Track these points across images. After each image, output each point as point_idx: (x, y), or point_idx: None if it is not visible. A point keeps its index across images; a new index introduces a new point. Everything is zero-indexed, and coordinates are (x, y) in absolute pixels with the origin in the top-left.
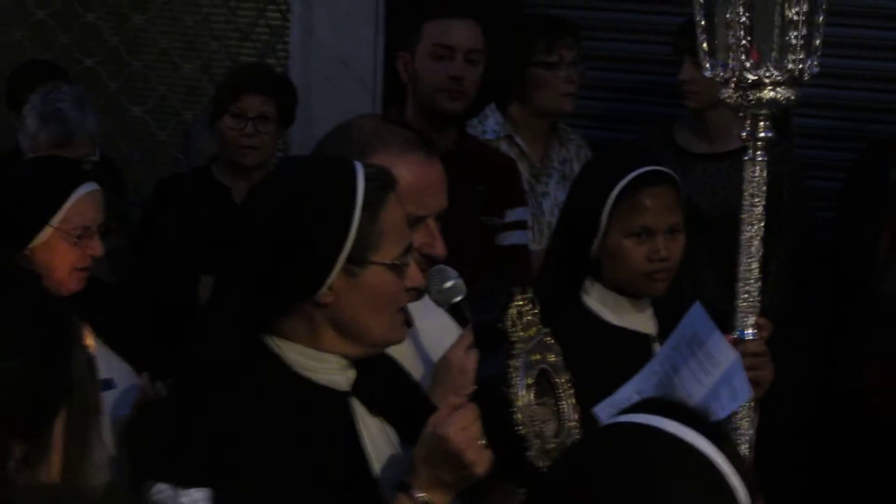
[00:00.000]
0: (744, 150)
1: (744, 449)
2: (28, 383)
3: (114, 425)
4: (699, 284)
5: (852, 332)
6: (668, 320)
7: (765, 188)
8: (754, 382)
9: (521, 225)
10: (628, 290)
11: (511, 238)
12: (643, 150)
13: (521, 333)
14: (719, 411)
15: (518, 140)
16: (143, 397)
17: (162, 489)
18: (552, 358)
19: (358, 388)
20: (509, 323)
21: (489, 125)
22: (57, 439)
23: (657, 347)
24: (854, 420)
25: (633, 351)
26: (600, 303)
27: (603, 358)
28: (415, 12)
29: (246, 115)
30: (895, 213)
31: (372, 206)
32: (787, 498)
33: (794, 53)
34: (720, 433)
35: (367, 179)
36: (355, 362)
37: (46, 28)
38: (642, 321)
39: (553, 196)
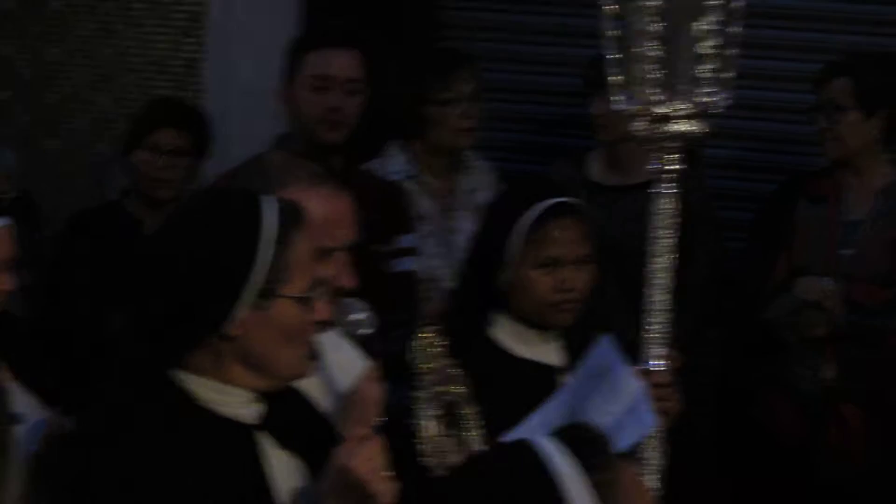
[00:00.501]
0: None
1: (653, 480)
2: None
3: (24, 460)
4: (608, 315)
5: (745, 356)
6: (575, 351)
7: (673, 220)
8: (662, 413)
9: (410, 251)
10: (535, 322)
11: (402, 265)
12: (552, 182)
13: (428, 365)
14: (625, 441)
15: (424, 177)
16: (52, 432)
17: None
18: (459, 390)
19: (267, 422)
20: (416, 355)
21: (393, 166)
22: None
23: (563, 379)
24: (756, 447)
25: (540, 382)
26: (507, 335)
27: (509, 390)
28: (295, 48)
29: (160, 149)
30: (794, 243)
31: (281, 240)
32: None
33: (704, 87)
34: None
35: (276, 213)
36: (265, 395)
37: None
38: (549, 353)
39: (465, 231)
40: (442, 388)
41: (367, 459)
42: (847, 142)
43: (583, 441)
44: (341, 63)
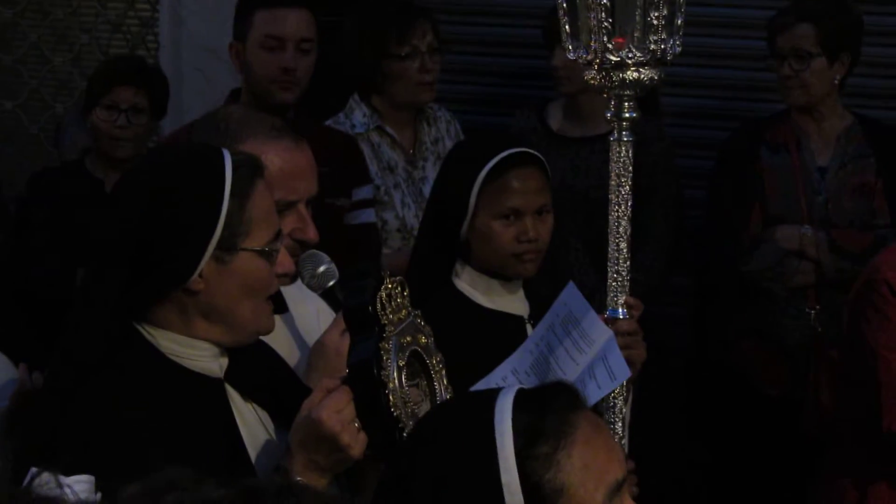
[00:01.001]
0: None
1: (618, 428)
2: None
3: None
4: (573, 265)
5: (721, 307)
6: (540, 301)
7: (631, 168)
8: (627, 361)
9: (368, 203)
10: (498, 272)
11: (360, 217)
12: (510, 134)
13: (392, 316)
14: (596, 391)
15: (388, 129)
16: (22, 388)
17: (45, 479)
18: (423, 340)
19: (231, 375)
20: (379, 306)
21: (356, 118)
22: None
23: (530, 328)
24: (727, 392)
25: (506, 332)
26: (471, 285)
27: (475, 339)
28: (244, 5)
29: (118, 107)
30: (765, 193)
31: (240, 194)
32: (666, 474)
33: (655, 34)
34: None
35: (235, 167)
36: (230, 349)
37: None
38: (513, 303)
39: (430, 180)
40: (407, 339)
41: (335, 411)
42: (813, 88)
43: (545, 400)
44: (293, 22)
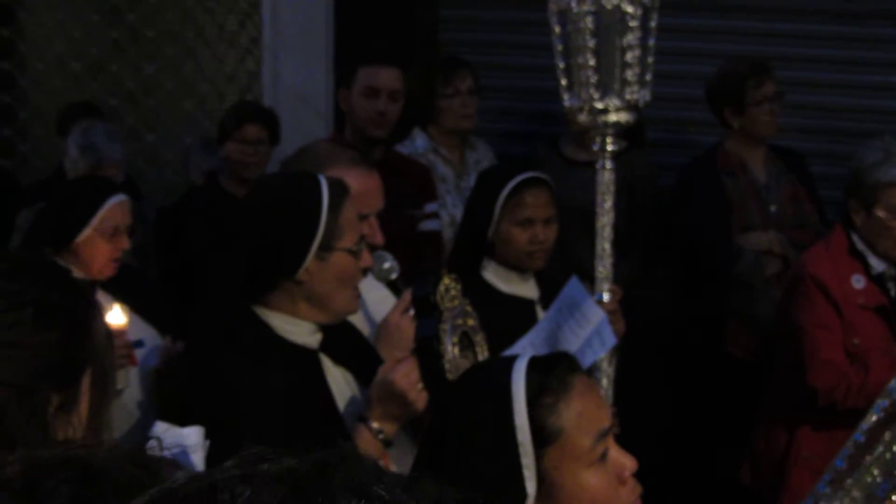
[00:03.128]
0: (613, 157)
1: (604, 383)
2: (63, 348)
3: (145, 375)
4: (580, 261)
5: (706, 295)
6: (548, 287)
7: (613, 188)
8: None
9: (434, 215)
10: (515, 266)
11: (428, 225)
12: (525, 161)
13: (448, 304)
14: (591, 356)
15: (442, 151)
16: (168, 353)
17: (161, 427)
18: (471, 322)
19: (325, 346)
20: (439, 296)
21: (418, 143)
22: (84, 391)
23: (539, 309)
24: (708, 360)
25: (520, 311)
26: (494, 275)
27: (499, 318)
28: (351, 61)
29: (247, 140)
30: (732, 208)
31: (334, 207)
32: (649, 429)
33: (630, 87)
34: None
35: (329, 187)
36: (324, 327)
37: (82, 76)
38: (527, 289)
39: None
40: (459, 321)
41: (405, 375)
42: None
43: (551, 365)
44: (387, 77)
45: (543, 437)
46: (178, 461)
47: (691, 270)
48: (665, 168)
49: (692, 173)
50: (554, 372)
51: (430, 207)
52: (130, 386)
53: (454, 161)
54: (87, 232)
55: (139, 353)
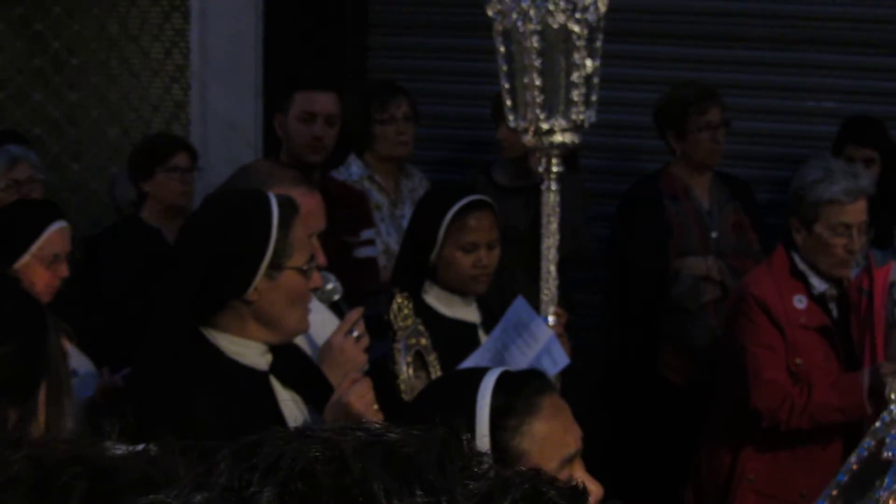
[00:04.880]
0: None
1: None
2: (19, 361)
3: (77, 406)
4: (516, 284)
5: (644, 321)
6: (487, 311)
7: (558, 209)
8: None
9: (370, 242)
10: (458, 290)
11: (364, 252)
12: (467, 184)
13: (401, 323)
14: None
15: (377, 178)
16: (105, 384)
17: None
18: (424, 341)
19: (274, 368)
20: (392, 315)
21: (353, 170)
22: (41, 405)
23: (481, 333)
24: (642, 384)
25: (463, 335)
26: (436, 299)
27: (439, 340)
28: (286, 86)
29: (179, 168)
30: (672, 232)
31: (284, 225)
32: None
33: (576, 107)
34: (511, 394)
35: (279, 205)
36: (272, 348)
37: (6, 104)
38: (469, 313)
39: (408, 217)
40: (413, 340)
41: (360, 396)
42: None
43: (520, 384)
44: (322, 101)
45: (505, 459)
46: None
47: (628, 294)
48: (610, 196)
49: (634, 195)
50: (522, 393)
51: (366, 234)
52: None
53: (389, 189)
54: (25, 258)
55: (73, 383)
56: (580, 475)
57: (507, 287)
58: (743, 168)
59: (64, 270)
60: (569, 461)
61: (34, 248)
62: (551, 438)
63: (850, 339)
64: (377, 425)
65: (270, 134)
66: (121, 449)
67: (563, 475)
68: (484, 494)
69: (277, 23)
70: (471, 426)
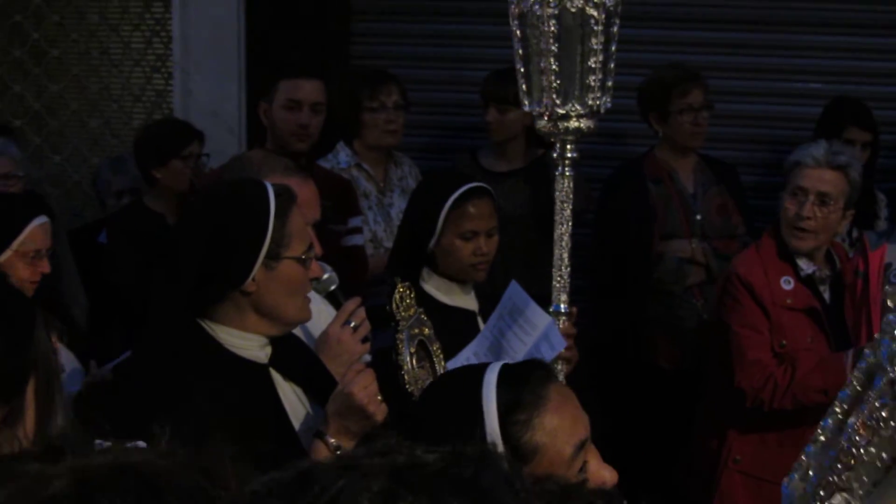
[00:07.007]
0: (531, 165)
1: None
2: (5, 358)
3: (67, 400)
4: (503, 267)
5: (632, 304)
6: (485, 299)
7: (572, 195)
8: (565, 360)
9: (358, 230)
10: (457, 278)
11: (352, 240)
12: (465, 173)
13: (404, 313)
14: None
15: (365, 166)
16: (92, 379)
17: (100, 444)
18: (427, 331)
19: (274, 361)
20: (395, 304)
21: (342, 158)
22: (29, 402)
23: (480, 320)
24: (631, 369)
25: (462, 323)
26: (435, 287)
27: (440, 328)
28: (270, 74)
29: (192, 156)
30: (656, 215)
31: (282, 214)
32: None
33: (592, 93)
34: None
35: (276, 194)
36: (272, 340)
37: None
38: (468, 301)
39: (397, 206)
40: (416, 330)
41: (364, 387)
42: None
43: (523, 377)
44: (308, 89)
45: (519, 455)
46: None
47: (614, 277)
48: (596, 180)
49: (618, 179)
50: (526, 385)
51: (354, 222)
52: None
53: (377, 177)
54: (7, 254)
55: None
56: (594, 462)
57: (496, 271)
58: (728, 150)
59: (45, 266)
60: (581, 447)
61: (15, 243)
62: (562, 428)
63: (842, 322)
64: (406, 446)
65: (253, 122)
66: (168, 456)
67: (577, 462)
68: None
69: (259, 11)
70: (479, 426)
